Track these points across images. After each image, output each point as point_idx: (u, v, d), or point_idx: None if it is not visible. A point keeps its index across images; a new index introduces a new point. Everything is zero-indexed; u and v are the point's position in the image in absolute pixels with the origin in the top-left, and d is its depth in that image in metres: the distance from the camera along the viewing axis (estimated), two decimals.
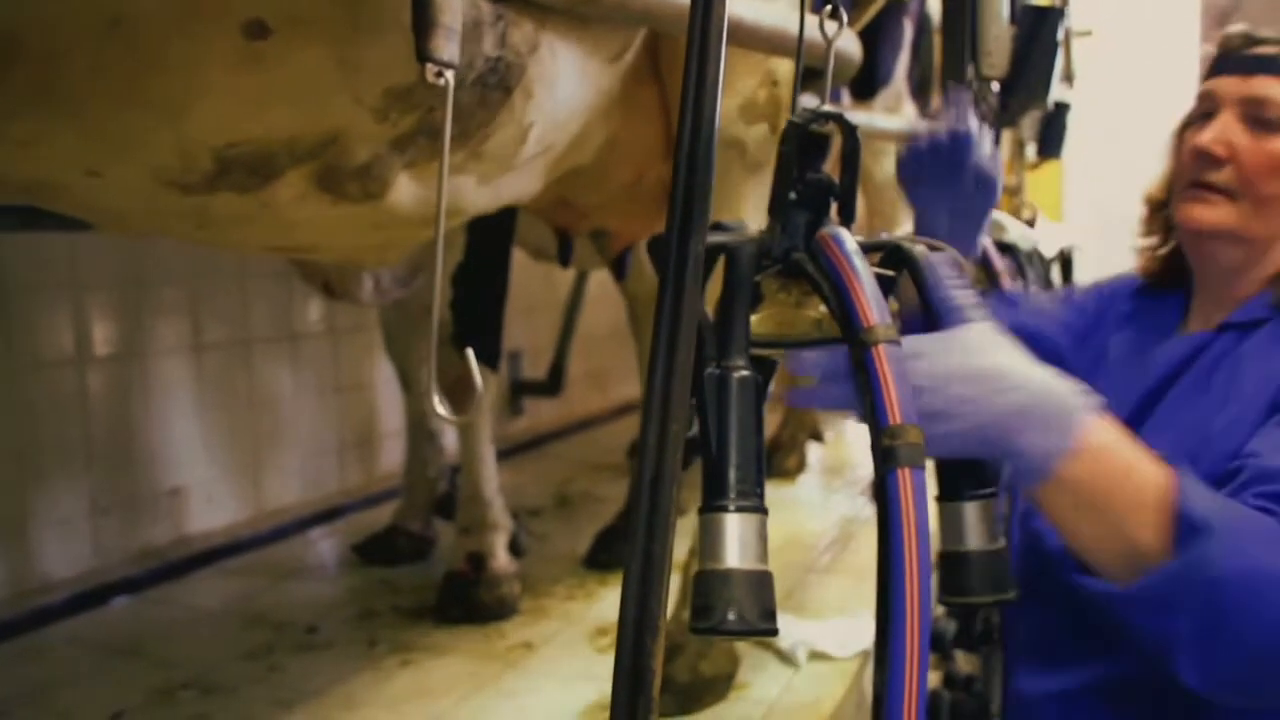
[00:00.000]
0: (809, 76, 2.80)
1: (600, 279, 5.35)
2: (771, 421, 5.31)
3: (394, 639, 3.22)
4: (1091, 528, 1.11)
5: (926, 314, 1.09)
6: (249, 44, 1.54)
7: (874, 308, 0.99)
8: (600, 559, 3.81)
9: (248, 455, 4.50)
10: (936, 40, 4.50)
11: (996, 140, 4.36)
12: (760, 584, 0.99)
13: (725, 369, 1.02)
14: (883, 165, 4.24)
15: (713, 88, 1.10)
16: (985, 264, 2.91)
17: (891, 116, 4.06)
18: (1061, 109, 5.04)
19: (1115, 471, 1.08)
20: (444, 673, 2.99)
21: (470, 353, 1.80)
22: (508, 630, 3.28)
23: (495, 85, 1.88)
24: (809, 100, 3.22)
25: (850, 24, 2.93)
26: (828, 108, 1.25)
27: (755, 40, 2.21)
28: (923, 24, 4.43)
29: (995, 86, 3.31)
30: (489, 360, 3.49)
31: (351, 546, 4.03)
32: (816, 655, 3.03)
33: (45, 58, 1.47)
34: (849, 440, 5.92)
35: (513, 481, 5.27)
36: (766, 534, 1.01)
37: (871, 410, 0.96)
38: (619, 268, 3.99)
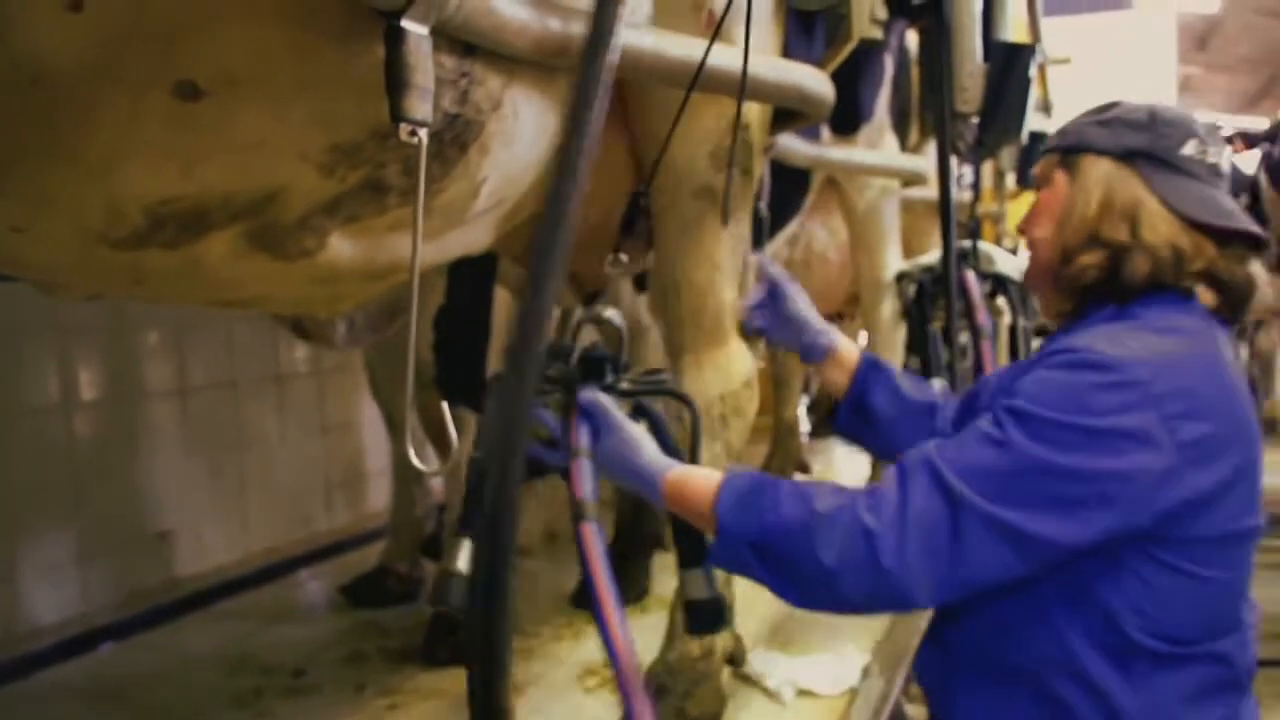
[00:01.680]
0: (784, 118, 2.85)
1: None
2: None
3: (382, 682, 3.22)
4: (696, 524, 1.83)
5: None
6: (181, 104, 1.51)
7: (582, 482, 1.81)
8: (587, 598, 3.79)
9: (235, 497, 4.49)
10: (915, 73, 4.56)
11: (976, 172, 4.41)
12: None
13: None
14: (865, 198, 4.27)
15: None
16: (963, 294, 2.95)
17: (872, 151, 4.10)
18: (1038, 139, 5.09)
19: (681, 495, 1.76)
20: (431, 716, 2.99)
21: (446, 406, 1.81)
22: None
23: (451, 142, 1.87)
24: (789, 140, 3.27)
25: (823, 65, 2.97)
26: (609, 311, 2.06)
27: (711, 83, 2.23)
28: (902, 58, 4.48)
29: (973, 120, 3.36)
30: (472, 403, 3.49)
31: (339, 588, 4.02)
32: (804, 693, 3.02)
33: None
34: (836, 472, 5.92)
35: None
36: None
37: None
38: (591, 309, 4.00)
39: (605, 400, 1.85)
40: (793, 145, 3.43)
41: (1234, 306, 1.75)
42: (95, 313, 3.85)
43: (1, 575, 3.59)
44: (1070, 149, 1.81)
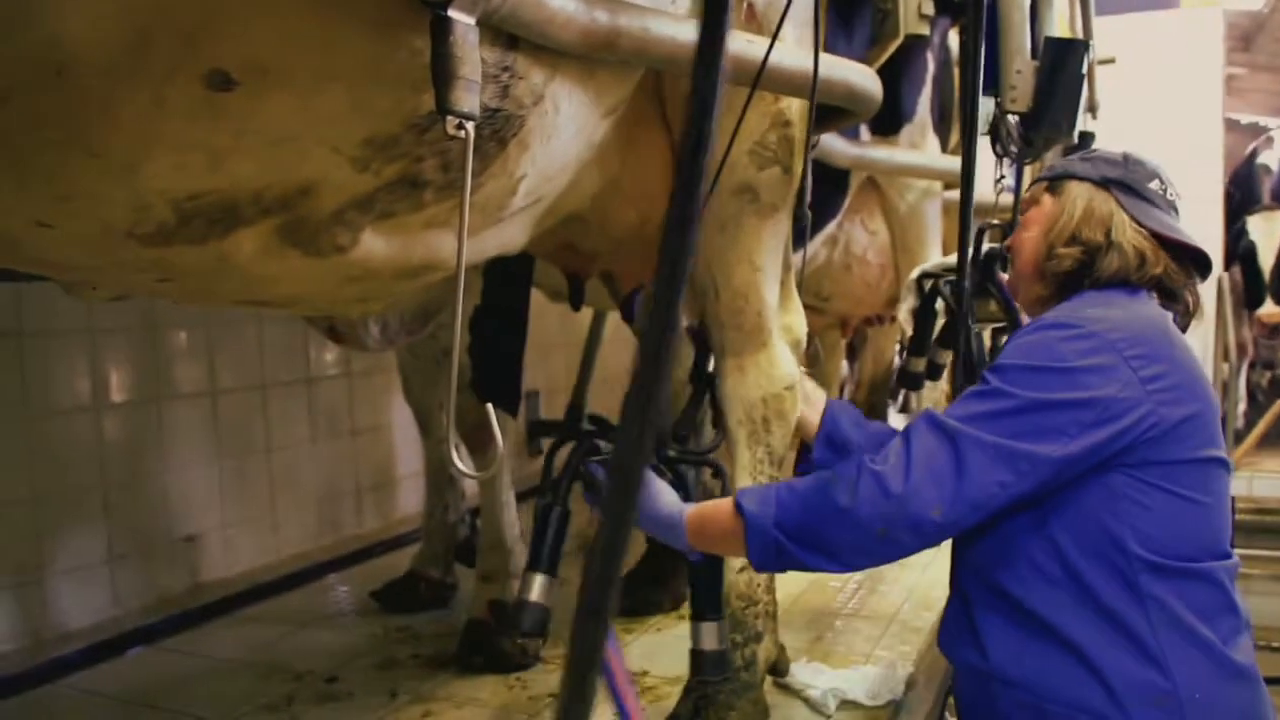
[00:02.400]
0: (827, 116, 2.77)
1: (618, 318, 5.31)
2: None
3: (415, 689, 3.16)
4: (724, 551, 2.23)
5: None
6: (211, 95, 1.46)
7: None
8: (625, 605, 3.73)
9: (264, 501, 4.46)
10: (957, 74, 4.47)
11: (1019, 172, 4.33)
12: None
13: None
14: (906, 199, 4.19)
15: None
16: (1001, 295, 2.87)
17: (914, 152, 4.02)
18: (1085, 140, 4.99)
19: (702, 524, 2.08)
20: None
21: (490, 407, 1.76)
22: (530, 680, 3.21)
23: (490, 137, 1.82)
24: (831, 140, 3.19)
25: (868, 62, 2.89)
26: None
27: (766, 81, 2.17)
28: (944, 57, 4.39)
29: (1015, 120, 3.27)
30: (508, 406, 3.44)
31: (370, 593, 3.97)
32: (847, 704, 2.95)
33: None
34: None
35: (531, 524, 5.22)
36: None
37: None
38: (628, 310, 3.93)
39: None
40: (834, 145, 3.35)
41: (1181, 316, 2.12)
42: (125, 314, 3.82)
43: (30, 578, 3.56)
44: (1057, 178, 2.18)
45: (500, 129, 1.82)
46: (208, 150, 1.56)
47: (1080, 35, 4.93)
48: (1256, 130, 9.28)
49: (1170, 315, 2.07)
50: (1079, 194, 2.11)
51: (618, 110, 2.24)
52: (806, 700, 2.97)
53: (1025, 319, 2.40)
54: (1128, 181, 2.10)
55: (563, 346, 5.96)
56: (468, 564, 4.01)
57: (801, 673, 3.05)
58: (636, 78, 2.23)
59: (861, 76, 2.59)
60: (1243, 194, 7.91)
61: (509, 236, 2.26)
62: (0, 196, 1.55)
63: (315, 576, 4.35)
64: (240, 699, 3.13)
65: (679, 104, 2.50)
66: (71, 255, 1.78)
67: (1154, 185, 2.12)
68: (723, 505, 2.05)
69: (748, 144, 2.54)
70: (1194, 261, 2.11)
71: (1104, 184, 2.10)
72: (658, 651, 3.37)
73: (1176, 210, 2.14)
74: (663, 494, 2.14)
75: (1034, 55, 3.18)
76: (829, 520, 1.88)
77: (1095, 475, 1.88)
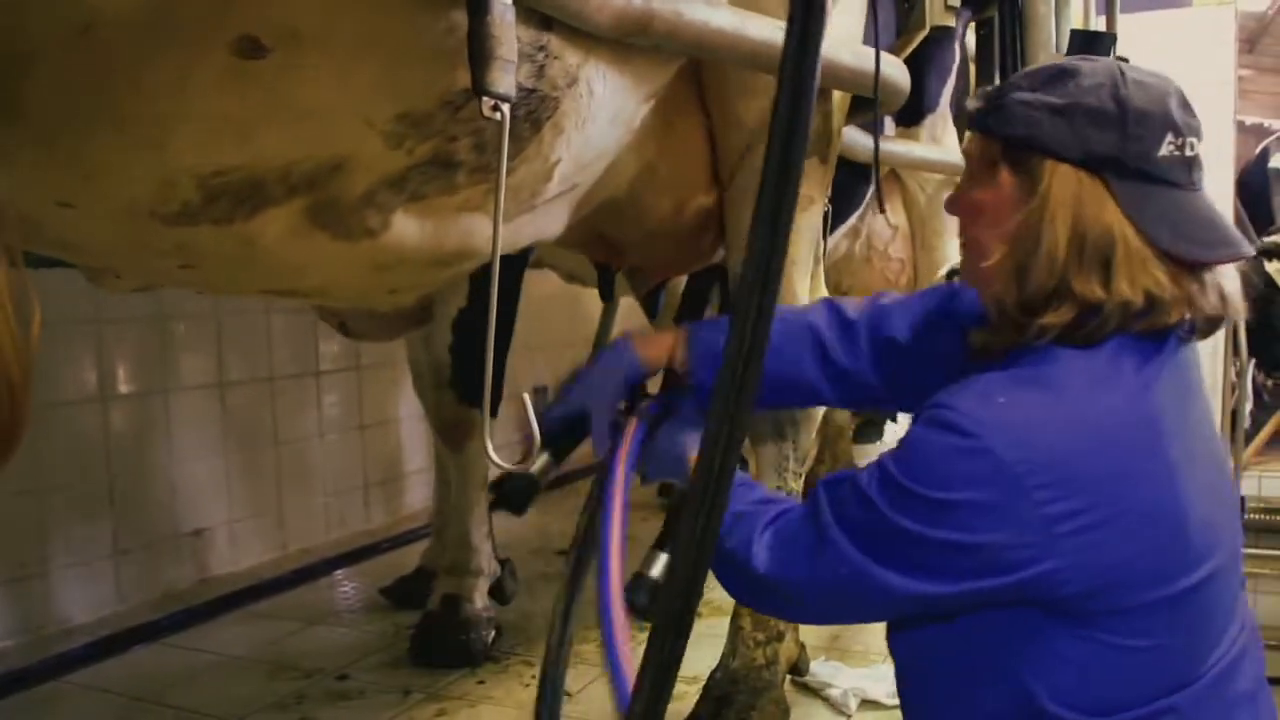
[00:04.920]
0: (853, 106, 2.73)
1: (626, 314, 5.25)
2: None
3: (427, 687, 3.12)
4: None
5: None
6: (241, 62, 1.38)
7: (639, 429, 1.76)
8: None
9: (271, 495, 4.41)
10: (972, 70, 4.43)
11: None
12: None
13: None
14: (927, 191, 4.15)
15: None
16: None
17: (936, 146, 3.98)
18: None
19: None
20: None
21: (527, 398, 1.71)
22: None
23: (524, 118, 1.76)
24: (853, 133, 3.15)
25: (895, 53, 2.85)
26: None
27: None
28: (961, 53, 4.35)
29: None
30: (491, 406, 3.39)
31: (380, 590, 3.92)
32: (868, 703, 2.91)
33: (3, 67, 1.31)
34: None
35: (540, 521, 5.16)
36: None
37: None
38: (651, 305, 3.88)
39: (679, 401, 1.81)
40: (855, 138, 3.31)
41: (1204, 332, 1.49)
42: (133, 305, 3.76)
43: (35, 571, 3.51)
44: (1020, 144, 1.45)
45: (535, 110, 1.78)
46: (236, 122, 1.49)
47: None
48: (1261, 132, 9.24)
49: (1160, 352, 1.45)
50: (1062, 197, 1.42)
51: (658, 95, 2.19)
52: (827, 700, 2.93)
53: None
54: (1129, 158, 1.40)
55: (571, 344, 5.91)
56: None
57: (821, 671, 3.01)
58: (678, 63, 2.18)
59: (892, 68, 2.54)
60: (1253, 204, 7.64)
61: (544, 224, 2.20)
62: (26, 173, 1.49)
63: (323, 572, 4.30)
64: (250, 697, 3.09)
65: (718, 89, 2.45)
66: (94, 237, 1.73)
67: (1166, 149, 1.40)
68: None
69: None
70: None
71: (1093, 166, 1.41)
72: None
73: (1199, 165, 1.46)
74: (690, 432, 1.73)
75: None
76: (719, 558, 1.52)
77: (995, 609, 1.41)
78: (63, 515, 3.59)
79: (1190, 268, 1.41)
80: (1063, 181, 1.41)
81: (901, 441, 1.43)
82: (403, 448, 5.08)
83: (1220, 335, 6.62)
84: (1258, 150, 8.31)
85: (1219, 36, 6.19)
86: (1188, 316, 1.43)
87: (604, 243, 2.83)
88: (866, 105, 2.67)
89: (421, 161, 1.71)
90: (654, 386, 2.04)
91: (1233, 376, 6.39)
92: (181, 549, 4.02)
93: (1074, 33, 3.06)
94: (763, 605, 1.69)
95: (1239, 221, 6.98)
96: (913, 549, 1.37)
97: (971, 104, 1.57)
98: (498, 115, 1.53)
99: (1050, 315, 1.41)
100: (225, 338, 4.18)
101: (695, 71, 2.41)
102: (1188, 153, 1.41)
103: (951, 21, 3.02)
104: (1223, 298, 1.45)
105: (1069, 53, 3.07)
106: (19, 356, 1.36)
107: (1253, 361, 7.00)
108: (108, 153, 1.49)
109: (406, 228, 1.82)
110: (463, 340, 3.36)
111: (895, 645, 1.58)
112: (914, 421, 1.46)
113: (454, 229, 1.89)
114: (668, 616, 1.16)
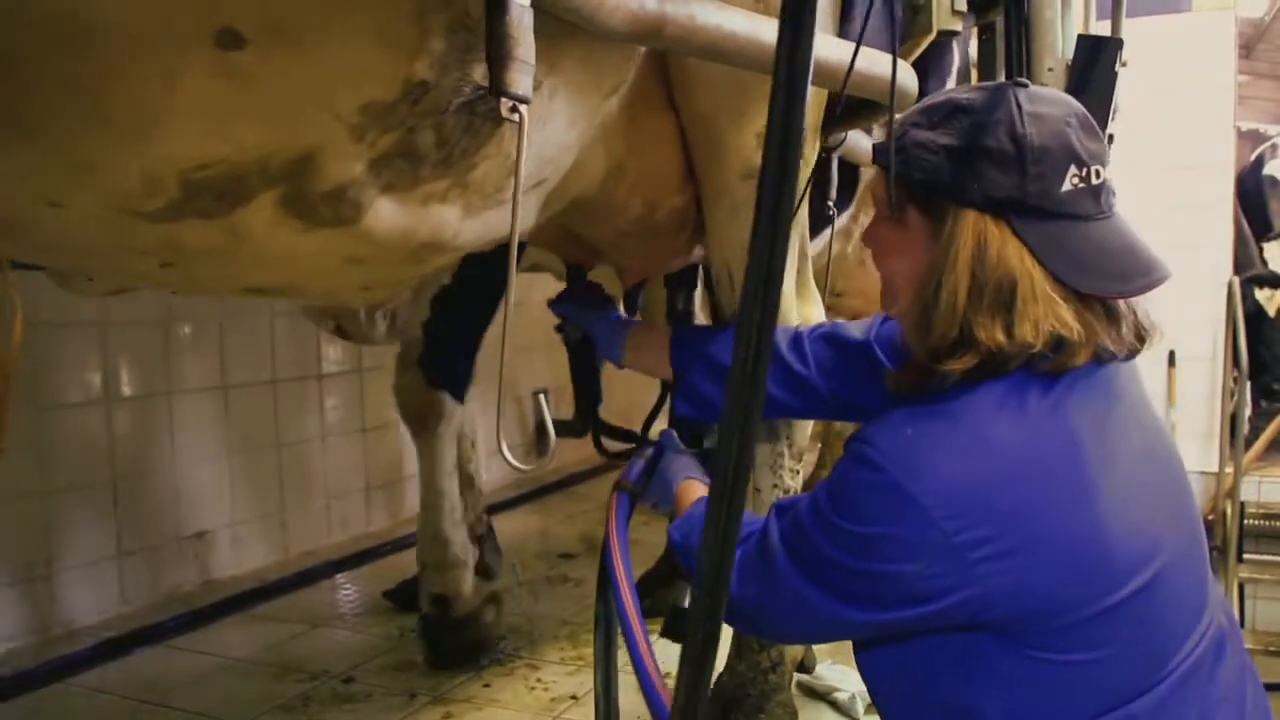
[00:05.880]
0: (855, 112, 2.72)
1: None
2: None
3: (433, 690, 3.12)
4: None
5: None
6: (222, 55, 1.39)
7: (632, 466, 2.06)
8: (643, 605, 3.67)
9: (273, 497, 4.41)
10: (975, 76, 4.42)
11: None
12: None
13: None
14: None
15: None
16: None
17: None
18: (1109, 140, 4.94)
19: (677, 504, 1.86)
20: None
21: (542, 398, 1.72)
22: (551, 683, 3.17)
23: (484, 115, 1.74)
24: (857, 136, 3.15)
25: (903, 56, 2.85)
26: None
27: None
28: (964, 65, 4.34)
29: None
30: (453, 390, 3.38)
31: (383, 593, 3.92)
32: (874, 707, 2.91)
33: None
34: None
35: (542, 524, 5.19)
36: None
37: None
38: (630, 304, 3.87)
39: (674, 439, 2.08)
40: (860, 142, 3.31)
41: (1128, 356, 1.47)
42: (137, 307, 3.76)
43: (38, 574, 3.51)
44: (925, 190, 1.44)
45: (495, 107, 1.75)
46: (216, 115, 1.49)
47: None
48: (1258, 138, 9.23)
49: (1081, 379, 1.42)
50: (960, 236, 1.41)
51: (620, 90, 2.18)
52: (834, 703, 2.93)
53: None
54: (1031, 199, 1.38)
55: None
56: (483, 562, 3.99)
57: (829, 675, 3.01)
58: (638, 58, 2.18)
59: (901, 72, 2.54)
60: (1249, 212, 7.60)
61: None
62: (12, 172, 1.49)
63: (325, 575, 4.30)
64: (255, 699, 3.08)
65: (685, 86, 2.44)
66: (78, 238, 1.72)
67: (1070, 183, 1.39)
68: (684, 503, 1.84)
69: (757, 127, 2.48)
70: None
71: (995, 209, 1.39)
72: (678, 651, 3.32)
73: (1109, 192, 1.43)
74: (685, 465, 1.96)
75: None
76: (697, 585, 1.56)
77: (941, 633, 1.40)
78: (66, 517, 3.59)
79: (1102, 302, 1.40)
80: (965, 226, 1.40)
81: (832, 471, 1.45)
82: (404, 451, 5.07)
83: (1219, 342, 6.64)
84: (1253, 157, 8.29)
85: (1219, 42, 6.21)
86: (1112, 351, 1.41)
87: (577, 242, 2.82)
88: (868, 109, 2.67)
89: (386, 153, 1.70)
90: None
91: (1230, 383, 6.41)
92: (184, 551, 4.02)
93: (1081, 38, 3.06)
94: (735, 623, 1.59)
95: (1241, 232, 6.99)
96: (841, 578, 1.40)
97: (874, 141, 1.56)
98: (515, 117, 1.53)
99: (954, 362, 1.39)
100: (228, 341, 4.18)
101: (661, 68, 2.39)
102: (1093, 181, 1.40)
103: (958, 26, 3.01)
104: (1141, 329, 1.45)
105: (1075, 58, 3.08)
106: (1, 361, 1.35)
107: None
108: (94, 149, 1.48)
109: (378, 220, 1.81)
110: (439, 318, 3.32)
111: (860, 663, 1.55)
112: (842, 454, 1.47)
113: (424, 222, 1.89)
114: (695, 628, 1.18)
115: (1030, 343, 1.36)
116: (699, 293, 3.70)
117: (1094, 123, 1.44)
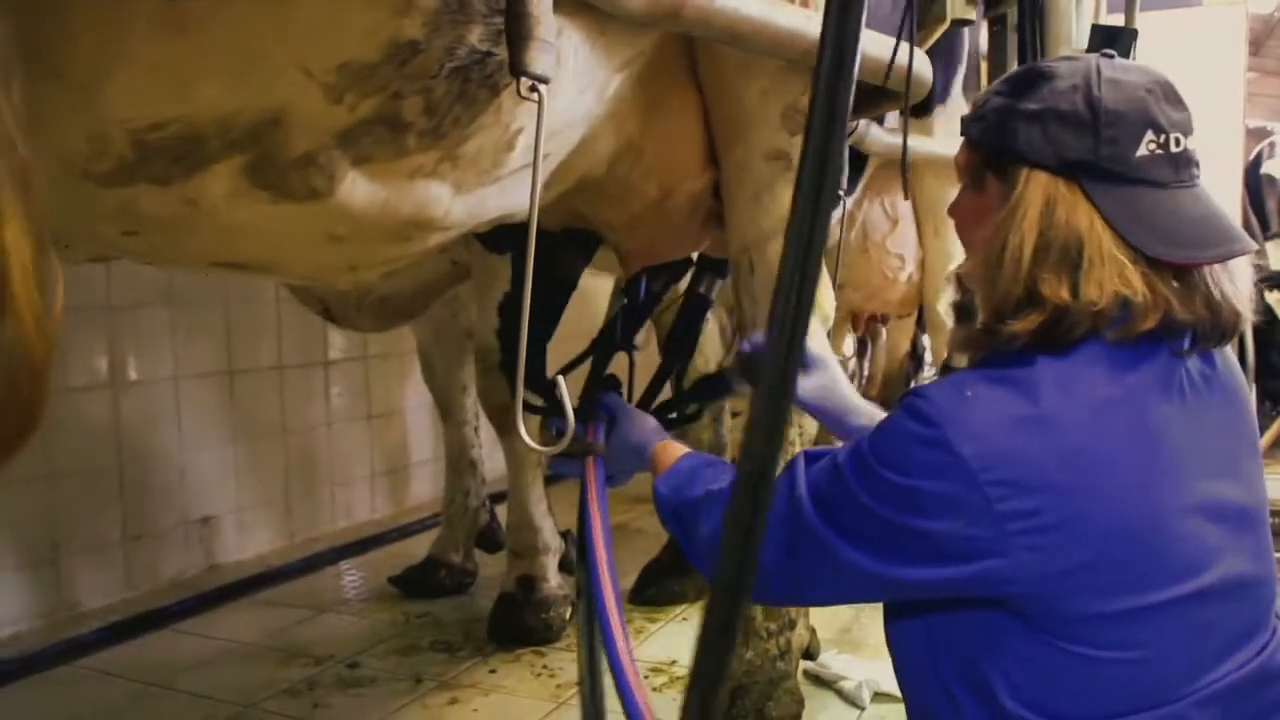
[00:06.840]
0: (871, 96, 2.72)
1: None
2: None
3: (439, 675, 3.11)
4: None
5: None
6: (171, 3, 1.28)
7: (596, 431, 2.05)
8: (647, 594, 3.70)
9: (278, 483, 4.40)
10: (984, 68, 4.40)
11: None
12: None
13: None
14: (937, 181, 4.07)
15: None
16: None
17: (947, 139, 3.95)
18: None
19: (656, 462, 1.83)
20: (494, 712, 2.88)
21: (561, 380, 1.71)
22: (557, 669, 3.16)
23: (480, 81, 1.64)
24: (864, 125, 3.14)
25: (919, 44, 2.84)
26: None
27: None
28: (973, 60, 4.32)
29: None
30: (538, 389, 3.38)
31: (389, 579, 3.92)
32: (881, 695, 2.91)
33: None
34: None
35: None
36: None
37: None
38: (633, 293, 3.85)
39: (619, 398, 2.11)
40: (875, 135, 3.30)
41: (1210, 341, 1.42)
42: (142, 291, 3.76)
43: (45, 558, 3.50)
44: (998, 151, 1.44)
45: (492, 74, 1.65)
46: (167, 70, 1.39)
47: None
48: (1263, 135, 9.19)
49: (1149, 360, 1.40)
50: (1030, 197, 1.40)
51: (634, 64, 2.12)
52: (840, 692, 2.93)
53: None
54: (1103, 162, 1.37)
55: (582, 335, 5.90)
56: (488, 550, 3.98)
57: (835, 664, 3.01)
58: (654, 35, 2.14)
59: (915, 59, 2.53)
60: (1247, 210, 7.52)
61: (513, 198, 2.05)
62: None
63: (330, 561, 4.29)
64: (261, 683, 3.08)
65: (713, 64, 2.41)
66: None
67: (1146, 148, 1.37)
68: (666, 461, 1.81)
69: (780, 106, 2.46)
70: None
71: (1068, 171, 1.38)
72: (684, 641, 3.32)
73: (1189, 161, 1.41)
74: (647, 424, 1.97)
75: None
76: (692, 540, 1.64)
77: (963, 608, 1.41)
78: (73, 502, 3.59)
79: (1174, 271, 1.36)
80: (1036, 187, 1.39)
81: (880, 423, 1.44)
82: (410, 438, 5.08)
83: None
84: (1251, 155, 8.25)
85: (1229, 36, 6.17)
86: (1182, 321, 1.37)
87: (584, 225, 2.78)
88: (887, 97, 2.66)
89: (366, 119, 1.59)
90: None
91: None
92: (190, 536, 4.02)
93: (1095, 27, 3.04)
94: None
95: (1246, 226, 6.95)
96: (869, 525, 1.37)
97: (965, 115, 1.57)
98: (534, 97, 1.52)
99: (1019, 322, 1.37)
100: (234, 326, 4.18)
101: (686, 45, 2.36)
102: (1172, 149, 1.38)
103: (972, 15, 3.00)
104: (1213, 302, 1.39)
105: (1089, 48, 3.06)
106: (42, 336, 1.31)
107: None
108: (42, 104, 1.35)
109: (355, 193, 1.70)
110: (510, 324, 3.35)
111: (888, 634, 1.54)
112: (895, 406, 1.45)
113: (408, 198, 1.79)
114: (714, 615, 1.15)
115: (1094, 301, 1.34)
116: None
117: (1179, 93, 1.42)
